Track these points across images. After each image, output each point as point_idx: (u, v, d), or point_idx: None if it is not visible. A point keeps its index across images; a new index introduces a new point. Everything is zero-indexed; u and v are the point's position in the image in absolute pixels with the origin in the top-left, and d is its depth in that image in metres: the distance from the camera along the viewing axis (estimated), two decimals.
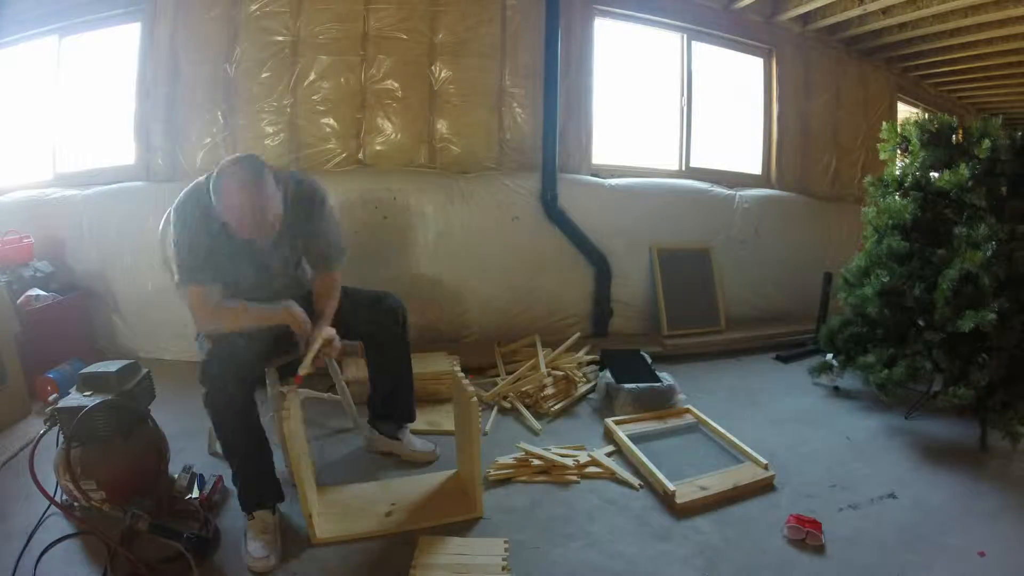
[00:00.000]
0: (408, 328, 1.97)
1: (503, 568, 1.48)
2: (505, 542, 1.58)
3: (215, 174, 1.51)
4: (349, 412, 2.12)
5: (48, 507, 1.58)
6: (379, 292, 1.96)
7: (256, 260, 1.70)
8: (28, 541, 1.49)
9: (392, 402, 2.02)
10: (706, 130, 3.77)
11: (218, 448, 1.88)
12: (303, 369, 1.62)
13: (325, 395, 2.23)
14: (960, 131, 2.33)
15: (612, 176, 3.43)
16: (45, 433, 1.62)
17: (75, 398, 1.64)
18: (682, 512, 1.75)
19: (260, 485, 1.64)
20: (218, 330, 1.64)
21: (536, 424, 2.29)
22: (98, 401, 1.61)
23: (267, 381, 1.89)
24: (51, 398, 2.30)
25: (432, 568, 1.48)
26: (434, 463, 2.02)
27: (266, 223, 1.53)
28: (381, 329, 1.91)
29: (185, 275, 1.59)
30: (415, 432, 2.14)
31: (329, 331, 1.69)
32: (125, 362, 1.77)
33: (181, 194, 1.61)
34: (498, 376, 2.70)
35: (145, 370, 1.82)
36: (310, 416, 2.19)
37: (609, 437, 2.22)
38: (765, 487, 1.90)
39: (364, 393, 2.08)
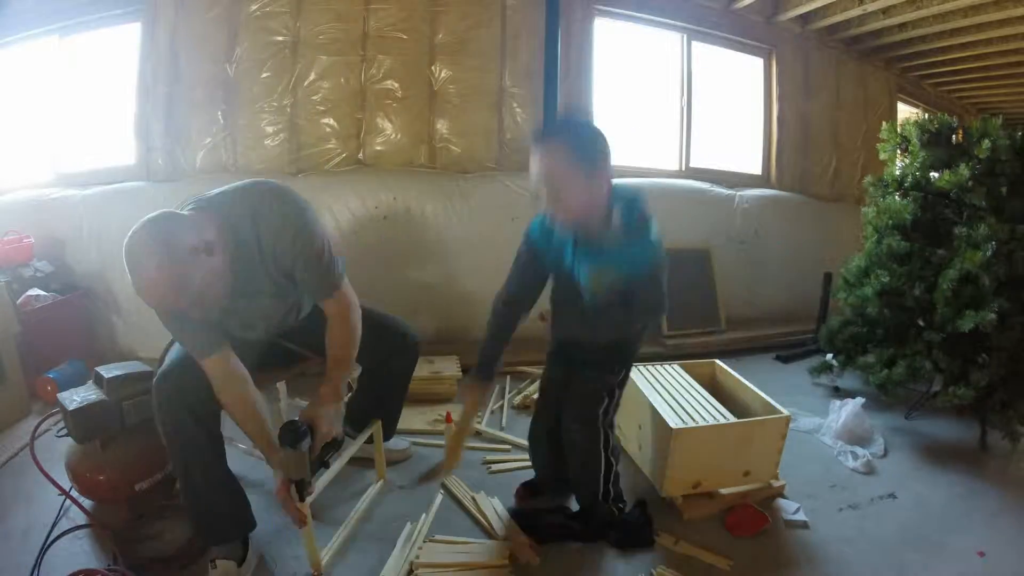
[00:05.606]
0: (416, 362, 1.80)
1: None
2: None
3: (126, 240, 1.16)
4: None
5: (64, 501, 1.61)
6: (388, 317, 1.73)
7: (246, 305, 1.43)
8: (51, 530, 1.54)
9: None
10: (706, 130, 3.77)
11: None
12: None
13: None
14: (960, 131, 2.32)
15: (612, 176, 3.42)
16: (41, 422, 1.62)
17: (82, 394, 1.63)
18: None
19: (225, 522, 1.40)
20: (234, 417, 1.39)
21: None
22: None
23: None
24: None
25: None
26: (409, 460, 1.99)
27: (190, 300, 1.21)
28: (386, 360, 1.71)
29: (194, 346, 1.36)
30: (416, 432, 2.14)
31: (327, 430, 1.34)
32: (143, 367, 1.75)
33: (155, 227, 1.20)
34: None
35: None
36: None
37: None
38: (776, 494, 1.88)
39: None
